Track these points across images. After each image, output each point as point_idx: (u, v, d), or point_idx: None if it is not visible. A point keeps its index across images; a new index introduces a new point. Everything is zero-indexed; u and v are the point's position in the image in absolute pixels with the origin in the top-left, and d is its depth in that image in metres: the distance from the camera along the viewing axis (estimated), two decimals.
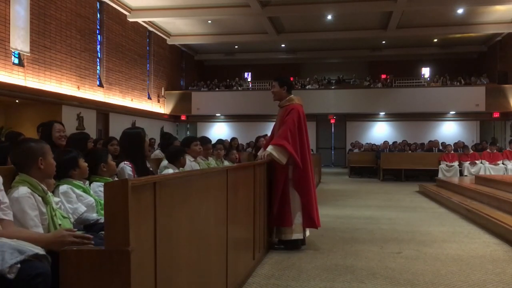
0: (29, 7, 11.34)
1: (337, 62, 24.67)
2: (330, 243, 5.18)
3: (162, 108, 20.58)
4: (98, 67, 15.25)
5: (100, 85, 15.25)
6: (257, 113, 20.33)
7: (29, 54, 11.39)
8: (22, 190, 2.26)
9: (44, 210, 2.33)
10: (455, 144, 15.61)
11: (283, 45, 22.07)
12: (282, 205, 4.81)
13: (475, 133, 20.57)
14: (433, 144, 15.87)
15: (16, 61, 11.28)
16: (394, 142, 17.31)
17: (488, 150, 14.09)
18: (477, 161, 13.73)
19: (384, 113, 21.02)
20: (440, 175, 13.53)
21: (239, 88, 22.47)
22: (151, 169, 4.07)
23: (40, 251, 1.86)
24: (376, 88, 21.39)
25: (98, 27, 15.27)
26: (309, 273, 3.97)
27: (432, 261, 4.38)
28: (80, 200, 2.89)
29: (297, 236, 4.83)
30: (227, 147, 7.21)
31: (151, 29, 18.88)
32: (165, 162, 4.66)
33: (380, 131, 21.27)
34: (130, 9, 16.70)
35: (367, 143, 18.85)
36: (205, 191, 2.69)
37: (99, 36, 15.30)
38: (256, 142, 7.81)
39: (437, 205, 8.82)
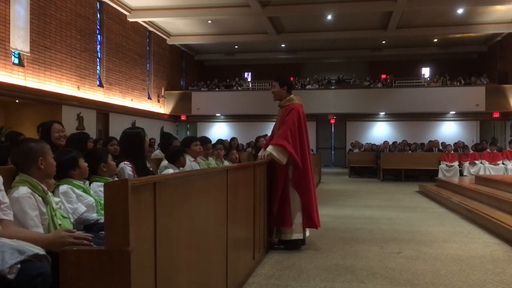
0: (29, 7, 11.34)
1: (337, 62, 24.67)
2: (330, 243, 5.18)
3: (162, 108, 20.58)
4: (98, 67, 15.26)
5: (100, 85, 15.25)
6: (257, 113, 20.33)
7: (29, 54, 11.39)
8: (22, 190, 2.26)
9: (44, 210, 2.33)
10: (455, 144, 15.61)
11: (283, 45, 22.07)
12: (282, 205, 4.81)
13: (475, 133, 20.57)
14: (433, 144, 15.87)
15: (16, 61, 11.28)
16: (394, 142, 17.31)
17: (488, 150, 14.10)
18: (477, 161, 13.73)
19: (384, 113, 21.02)
20: (440, 175, 13.53)
21: (239, 88, 22.47)
22: (151, 169, 4.07)
23: (40, 251, 1.86)
24: (376, 88, 21.39)
25: (98, 27, 15.27)
26: (309, 273, 3.97)
27: (432, 261, 4.38)
28: (80, 200, 2.89)
29: (297, 236, 4.83)
30: (227, 147, 7.21)
31: (151, 29, 18.88)
32: (165, 162, 4.66)
33: (380, 131, 21.27)
34: (130, 9, 16.70)
35: (367, 143, 18.85)
36: (205, 191, 2.69)
37: (99, 36, 15.30)
38: (256, 142, 7.81)
39: (437, 205, 8.82)
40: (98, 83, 15.13)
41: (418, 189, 11.64)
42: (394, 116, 21.07)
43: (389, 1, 15.47)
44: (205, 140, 5.64)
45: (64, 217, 2.52)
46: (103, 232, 1.88)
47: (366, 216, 7.26)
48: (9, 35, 10.72)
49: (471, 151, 14.21)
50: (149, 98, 19.30)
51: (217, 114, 21.94)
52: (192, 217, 2.42)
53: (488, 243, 5.23)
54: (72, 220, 2.71)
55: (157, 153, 6.17)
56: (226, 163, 6.21)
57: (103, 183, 2.49)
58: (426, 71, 23.64)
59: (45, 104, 12.20)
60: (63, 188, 2.85)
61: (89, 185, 3.14)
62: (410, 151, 16.08)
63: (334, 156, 22.86)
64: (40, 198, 2.33)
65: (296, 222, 4.82)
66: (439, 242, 5.27)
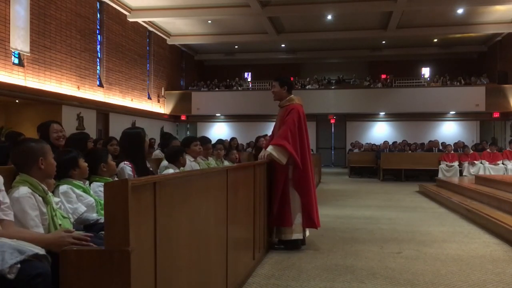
0: (29, 7, 11.34)
1: (337, 62, 24.67)
2: (330, 243, 5.18)
3: (162, 108, 20.58)
4: (98, 67, 15.26)
5: (100, 85, 15.25)
6: (257, 113, 20.33)
7: (29, 54, 11.39)
8: (23, 190, 2.26)
9: (44, 210, 2.33)
10: (455, 144, 15.61)
11: (283, 45, 22.07)
12: (282, 205, 4.81)
13: (475, 133, 20.57)
14: (433, 144, 15.87)
15: (16, 61, 11.28)
16: (394, 142, 17.31)
17: (488, 150, 14.10)
18: (477, 161, 13.74)
19: (384, 113, 21.02)
20: (440, 175, 13.53)
21: (239, 88, 22.47)
22: (151, 169, 4.07)
23: (40, 251, 1.86)
24: (376, 88, 21.39)
25: (98, 27, 15.27)
26: (309, 273, 3.97)
27: (432, 261, 4.38)
28: (80, 200, 2.89)
29: (297, 236, 4.83)
30: (227, 147, 7.21)
31: (151, 29, 18.88)
32: (165, 162, 4.65)
33: (380, 131, 21.27)
34: (130, 9, 16.70)
35: (367, 143, 18.85)
36: (205, 191, 2.69)
37: (99, 36, 15.30)
38: (256, 142, 7.81)
39: (437, 205, 8.82)
40: (98, 83, 15.13)
41: (418, 189, 11.64)
42: (394, 116, 21.07)
43: (389, 1, 15.47)
44: (205, 140, 5.64)
45: (64, 217, 2.53)
46: (103, 232, 1.88)
47: (366, 216, 7.26)
48: (9, 35, 10.72)
49: (471, 151, 14.21)
50: (149, 98, 19.30)
51: (217, 114, 21.94)
52: (192, 217, 2.42)
53: (488, 243, 5.23)
54: (72, 220, 2.71)
55: (157, 153, 6.17)
56: (226, 163, 6.21)
57: (103, 183, 2.49)
58: (426, 71, 23.64)
59: (45, 104, 12.20)
60: (63, 188, 2.85)
61: (89, 185, 3.14)
62: (410, 151, 16.08)
63: (334, 156, 22.86)
64: (40, 198, 2.33)
65: (296, 222, 4.82)
66: (439, 242, 5.27)
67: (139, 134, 3.84)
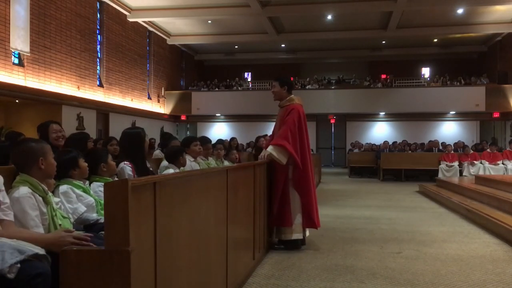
0: (29, 7, 11.34)
1: (337, 62, 24.67)
2: (330, 243, 5.18)
3: (162, 108, 20.58)
4: (98, 67, 15.26)
5: (100, 85, 15.25)
6: (257, 113, 20.33)
7: (29, 54, 11.40)
8: (23, 190, 2.26)
9: (44, 210, 2.33)
10: (455, 144, 15.61)
11: (283, 45, 22.07)
12: (282, 205, 4.81)
13: (475, 133, 20.57)
14: (433, 144, 15.87)
15: (16, 61, 11.28)
16: (394, 142, 17.31)
17: (488, 150, 14.10)
18: (476, 161, 13.74)
19: (384, 113, 21.02)
20: (440, 175, 13.53)
21: (239, 88, 22.47)
22: (151, 169, 4.07)
23: (40, 251, 1.86)
24: (376, 88, 21.39)
25: (98, 27, 15.28)
26: (309, 273, 3.97)
27: (432, 261, 4.38)
28: (80, 200, 2.89)
29: (297, 236, 4.83)
30: (226, 147, 7.21)
31: (151, 29, 18.88)
32: (165, 162, 4.65)
33: (380, 131, 21.27)
34: (130, 9, 16.70)
35: (367, 143, 18.84)
36: (205, 191, 2.69)
37: (99, 36, 15.30)
38: (256, 142, 7.81)
39: (437, 205, 8.82)
40: (98, 83, 15.13)
41: (418, 189, 11.64)
42: (394, 116, 21.07)
43: (389, 1, 15.47)
44: (205, 140, 5.64)
45: (64, 217, 2.53)
46: (103, 232, 1.88)
47: (366, 216, 7.26)
48: (9, 35, 10.72)
49: (471, 151, 14.21)
50: (149, 98, 19.30)
51: (217, 114, 21.94)
52: (192, 217, 2.42)
53: (488, 243, 5.23)
54: (72, 220, 2.71)
55: (157, 153, 6.17)
56: (226, 163, 6.21)
57: (103, 183, 2.49)
58: (426, 71, 23.64)
59: (45, 104, 12.20)
60: (63, 188, 2.85)
61: (89, 185, 3.14)
62: (410, 151, 16.08)
63: (334, 156, 22.86)
64: (40, 198, 2.33)
65: (296, 222, 4.82)
66: (439, 242, 5.27)
67: (139, 134, 3.84)
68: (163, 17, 17.43)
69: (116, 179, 3.45)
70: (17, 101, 11.87)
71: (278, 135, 4.92)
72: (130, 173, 3.61)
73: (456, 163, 13.93)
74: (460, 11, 16.58)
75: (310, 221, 4.88)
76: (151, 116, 19.03)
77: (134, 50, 17.64)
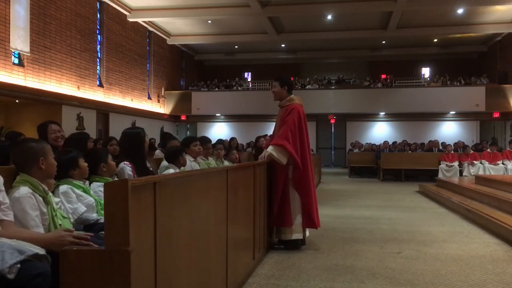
0: (29, 7, 11.34)
1: (337, 62, 24.67)
2: (330, 243, 5.18)
3: (162, 108, 20.58)
4: (98, 67, 15.26)
5: (100, 85, 15.25)
6: (257, 113, 20.33)
7: (29, 54, 11.40)
8: (23, 190, 2.26)
9: (45, 210, 2.33)
10: (455, 144, 15.61)
11: (283, 45, 22.07)
12: (282, 205, 4.81)
13: (475, 133, 20.57)
14: (433, 144, 15.87)
15: (16, 61, 11.28)
16: (394, 142, 17.31)
17: (488, 150, 14.10)
18: (476, 161, 13.74)
19: (384, 113, 21.02)
20: (440, 175, 13.53)
21: (239, 88, 22.47)
22: (151, 169, 4.07)
23: (40, 251, 1.86)
24: (376, 88, 21.40)
25: (98, 27, 15.28)
26: (309, 273, 3.97)
27: (432, 261, 4.38)
28: (80, 200, 2.89)
29: (297, 236, 4.83)
30: (226, 147, 7.21)
31: (151, 29, 18.88)
32: (165, 163, 4.65)
33: (380, 131, 21.27)
34: (130, 9, 16.70)
35: (367, 143, 18.85)
36: (205, 191, 2.69)
37: (99, 36, 15.30)
38: (256, 142, 7.82)
39: (437, 205, 8.82)
40: (98, 83, 15.13)
41: (418, 189, 11.64)
42: (394, 116, 21.07)
43: (389, 1, 15.47)
44: (205, 140, 5.64)
45: (64, 217, 2.53)
46: (103, 232, 1.88)
47: (366, 216, 7.26)
48: (9, 35, 10.72)
49: (471, 151, 14.21)
50: (149, 98, 19.30)
51: (217, 114, 21.94)
52: (192, 217, 2.42)
53: (488, 243, 5.23)
54: (72, 220, 2.71)
55: (157, 153, 6.16)
56: (226, 163, 6.21)
57: (103, 183, 2.49)
58: (426, 71, 23.64)
59: (45, 104, 12.20)
60: (63, 188, 2.85)
61: (89, 185, 3.14)
62: (410, 151, 16.08)
63: (334, 156, 22.86)
64: (40, 198, 2.33)
65: (296, 222, 4.82)
66: (439, 242, 5.27)
67: (139, 134, 3.84)
68: (163, 17, 17.43)
69: (116, 179, 3.45)
70: (17, 101, 11.87)
71: (278, 135, 4.92)
72: (130, 173, 3.61)
73: (456, 163, 13.93)
74: (460, 11, 16.58)
75: (310, 221, 4.88)
76: (151, 116, 19.04)
77: (134, 50, 17.64)
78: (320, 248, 4.92)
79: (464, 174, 13.56)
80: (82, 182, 3.00)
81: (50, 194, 2.46)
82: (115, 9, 15.99)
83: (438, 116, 20.58)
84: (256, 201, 4.14)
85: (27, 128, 10.24)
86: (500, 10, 16.53)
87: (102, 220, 2.76)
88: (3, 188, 2.13)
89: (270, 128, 6.01)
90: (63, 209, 2.71)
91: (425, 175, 14.57)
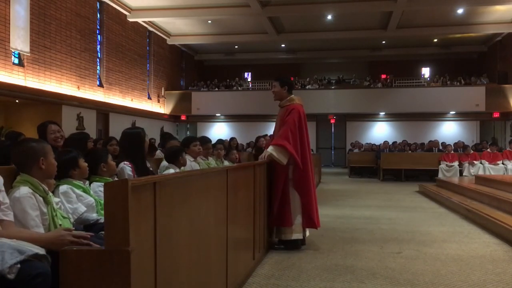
0: (29, 7, 11.34)
1: (337, 62, 24.67)
2: (330, 243, 5.18)
3: (162, 108, 20.58)
4: (98, 67, 15.26)
5: (100, 85, 15.25)
6: (257, 113, 20.33)
7: (29, 54, 11.40)
8: (23, 190, 2.26)
9: (45, 210, 2.33)
10: (455, 144, 15.61)
11: (283, 45, 22.07)
12: (282, 205, 4.81)
13: (475, 133, 20.57)
14: (433, 144, 15.87)
15: (16, 61, 11.28)
16: (394, 142, 17.31)
17: (488, 150, 14.10)
18: (476, 161, 13.74)
19: (384, 113, 21.02)
20: (440, 175, 13.53)
21: (239, 88, 22.48)
22: (151, 169, 4.07)
23: (40, 251, 1.86)
24: (376, 88, 21.40)
25: (98, 27, 15.28)
26: (309, 273, 3.97)
27: (432, 261, 4.38)
28: (80, 200, 2.89)
29: (297, 236, 4.83)
30: (226, 147, 7.21)
31: (151, 29, 18.88)
32: (165, 163, 4.65)
33: (380, 131, 21.27)
34: (130, 9, 16.70)
35: (367, 143, 18.85)
36: (205, 191, 2.69)
37: (99, 36, 15.30)
38: (256, 142, 7.83)
39: (437, 205, 8.82)
40: (98, 83, 15.13)
41: (418, 189, 11.64)
42: (394, 116, 21.07)
43: (389, 1, 15.47)
44: (205, 140, 5.63)
45: (64, 217, 2.53)
46: (103, 232, 1.88)
47: (366, 216, 7.26)
48: (9, 35, 10.72)
49: (471, 151, 14.21)
50: (149, 98, 19.30)
51: (217, 114, 21.94)
52: (192, 217, 2.42)
53: (488, 243, 5.23)
54: (72, 220, 2.71)
55: (157, 153, 6.16)
56: (226, 163, 6.21)
57: (103, 183, 2.49)
58: (426, 71, 23.64)
59: (45, 104, 12.20)
60: (63, 188, 2.85)
61: (89, 185, 3.14)
62: (410, 151, 16.08)
63: (334, 156, 22.86)
64: (41, 198, 2.33)
65: (296, 222, 4.82)
66: (439, 242, 5.27)
67: (139, 134, 3.84)
68: (163, 17, 17.43)
69: (116, 179, 3.45)
70: (17, 101, 11.87)
71: (278, 135, 4.92)
72: (130, 173, 3.61)
73: (456, 163, 13.94)
74: (460, 11, 16.58)
75: (310, 221, 4.88)
76: (151, 116, 19.04)
77: (134, 50, 17.64)
78: (320, 248, 4.92)
79: (464, 174, 13.56)
80: (82, 182, 3.00)
81: (50, 194, 2.46)
82: (115, 9, 15.99)
83: (438, 116, 20.58)
84: (256, 201, 4.14)
85: (27, 128, 10.24)
86: (500, 10, 16.53)
87: (102, 220, 2.76)
88: (3, 188, 2.13)
89: (270, 128, 6.01)
90: (63, 209, 2.71)
91: (425, 175, 14.57)
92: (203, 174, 2.82)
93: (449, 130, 20.56)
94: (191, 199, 2.42)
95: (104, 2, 15.34)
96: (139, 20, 17.49)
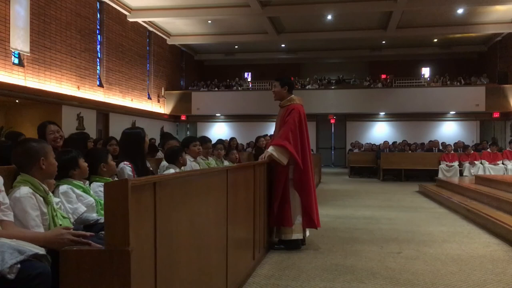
0: (29, 7, 11.34)
1: (337, 62, 24.67)
2: (330, 243, 5.18)
3: (162, 108, 20.58)
4: (98, 67, 15.26)
5: (100, 85, 15.25)
6: (257, 113, 20.33)
7: (29, 54, 11.40)
8: (24, 190, 2.26)
9: (45, 210, 2.33)
10: (455, 144, 15.62)
11: (283, 45, 22.07)
12: (282, 205, 4.81)
13: (475, 133, 20.57)
14: (433, 144, 15.88)
15: (16, 61, 11.28)
16: (394, 142, 17.30)
17: (488, 150, 14.10)
18: (477, 161, 13.74)
19: (384, 113, 21.02)
20: (440, 175, 13.53)
21: (239, 88, 22.48)
22: (151, 169, 4.07)
23: (40, 251, 1.86)
24: (376, 88, 21.40)
25: (98, 27, 15.28)
26: (309, 273, 3.97)
27: (432, 261, 4.38)
28: (80, 200, 2.89)
29: (297, 236, 4.83)
30: (226, 147, 7.21)
31: (151, 29, 18.88)
32: (165, 163, 4.65)
33: (380, 131, 21.27)
34: (130, 9, 16.70)
35: (367, 143, 18.85)
36: (205, 191, 2.69)
37: (99, 36, 15.30)
38: (256, 142, 7.83)
39: (437, 205, 8.82)
40: (98, 83, 15.13)
41: (418, 189, 11.64)
42: (394, 116, 21.07)
43: (389, 1, 15.47)
44: (205, 140, 5.63)
45: (64, 217, 2.53)
46: (103, 232, 1.88)
47: (366, 216, 7.26)
48: (9, 35, 10.72)
49: (471, 151, 14.21)
50: (149, 98, 19.30)
51: (217, 114, 21.95)
52: (192, 217, 2.42)
53: (488, 243, 5.23)
54: (72, 220, 2.71)
55: (158, 154, 6.17)
56: (226, 163, 6.21)
57: (103, 183, 2.49)
58: (426, 71, 23.64)
59: (45, 104, 12.20)
60: (63, 188, 2.85)
61: (89, 185, 3.14)
62: (410, 151, 16.07)
63: (334, 156, 22.86)
64: (41, 198, 2.33)
65: (296, 222, 4.82)
66: (439, 242, 5.27)
67: (139, 134, 3.84)
68: (163, 17, 17.42)
69: (116, 179, 3.45)
70: (17, 101, 11.86)
71: (278, 135, 4.92)
72: (130, 173, 3.61)
73: (456, 163, 13.94)
74: (460, 11, 16.58)
75: (310, 221, 4.88)
76: (151, 116, 19.04)
77: (134, 50, 17.64)
78: (320, 248, 4.92)
79: (464, 174, 13.56)
80: (82, 182, 3.00)
81: (51, 194, 2.46)
82: (115, 9, 15.99)
83: (438, 116, 20.58)
84: (256, 201, 4.14)
85: (27, 128, 10.25)
86: (500, 10, 16.53)
87: (102, 220, 2.76)
88: (3, 188, 2.14)
89: (270, 128, 6.01)
90: (63, 209, 2.71)
91: (425, 175, 14.55)
92: (203, 174, 2.82)
93: (449, 130, 20.56)
94: (191, 199, 2.42)
95: (104, 2, 15.34)
96: (139, 20, 17.49)
